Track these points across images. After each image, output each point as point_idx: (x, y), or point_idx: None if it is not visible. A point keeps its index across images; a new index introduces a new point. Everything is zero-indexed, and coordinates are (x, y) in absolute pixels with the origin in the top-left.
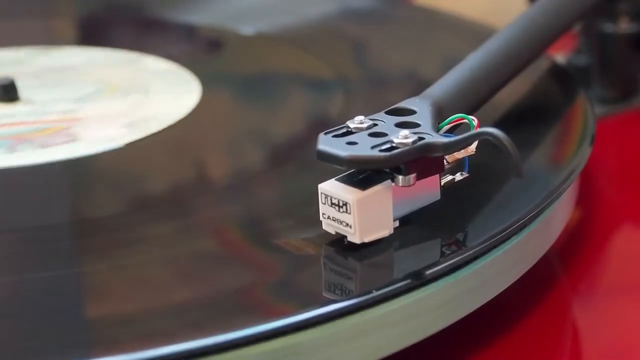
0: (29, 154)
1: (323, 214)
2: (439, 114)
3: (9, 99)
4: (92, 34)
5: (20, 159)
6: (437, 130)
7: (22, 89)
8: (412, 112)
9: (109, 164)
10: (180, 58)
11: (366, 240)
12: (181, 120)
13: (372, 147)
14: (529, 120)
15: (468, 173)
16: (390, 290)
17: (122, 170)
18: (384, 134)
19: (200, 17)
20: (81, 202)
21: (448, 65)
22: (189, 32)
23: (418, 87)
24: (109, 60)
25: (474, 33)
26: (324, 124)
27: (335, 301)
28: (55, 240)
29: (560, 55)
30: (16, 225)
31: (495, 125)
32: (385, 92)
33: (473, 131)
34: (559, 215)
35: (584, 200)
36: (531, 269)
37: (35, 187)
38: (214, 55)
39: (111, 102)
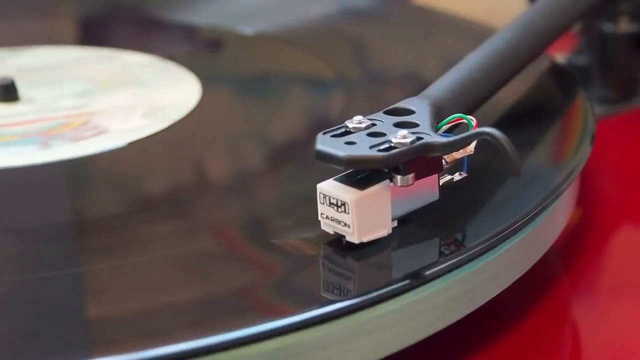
0: (65, 148)
1: (322, 213)
2: (438, 114)
3: (9, 98)
4: (92, 34)
5: (58, 154)
6: (436, 130)
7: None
8: (411, 112)
9: (108, 164)
10: (181, 58)
11: (365, 240)
12: (181, 120)
13: (371, 147)
14: (529, 120)
15: (467, 173)
16: (388, 291)
17: (121, 170)
18: (383, 134)
19: (200, 17)
20: (79, 201)
21: (448, 65)
22: (189, 32)
23: (418, 87)
24: (85, 59)
25: (474, 33)
26: (324, 124)
27: (333, 301)
28: (56, 240)
29: (560, 55)
30: (14, 225)
31: (496, 125)
32: (385, 92)
33: (471, 131)
34: (559, 215)
35: (584, 200)
36: (531, 269)
37: (34, 188)
38: (214, 55)
39: (114, 95)
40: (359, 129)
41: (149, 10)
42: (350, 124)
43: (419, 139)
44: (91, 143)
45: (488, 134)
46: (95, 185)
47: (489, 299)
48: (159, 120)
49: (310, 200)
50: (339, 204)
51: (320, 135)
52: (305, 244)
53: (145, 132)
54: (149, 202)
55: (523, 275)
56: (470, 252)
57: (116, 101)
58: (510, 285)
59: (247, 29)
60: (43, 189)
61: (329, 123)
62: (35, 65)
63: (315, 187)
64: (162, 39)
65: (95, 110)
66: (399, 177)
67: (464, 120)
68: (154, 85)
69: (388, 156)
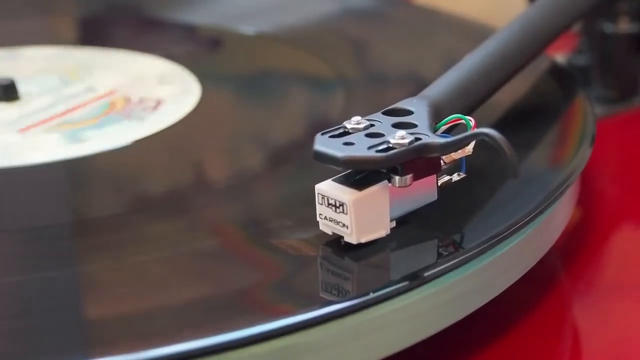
0: (138, 125)
1: (320, 214)
2: (437, 115)
3: (9, 98)
4: (92, 34)
5: (155, 124)
6: (434, 130)
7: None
8: (409, 113)
9: (108, 164)
10: (181, 58)
11: (363, 240)
12: (181, 120)
13: (369, 148)
14: (529, 120)
15: (465, 173)
16: (387, 292)
17: (120, 170)
18: (381, 135)
19: (200, 17)
20: (79, 201)
21: (448, 65)
22: (189, 32)
23: (418, 87)
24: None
25: (474, 33)
26: (324, 124)
27: (332, 302)
28: (55, 240)
29: (560, 55)
30: (14, 225)
31: (496, 125)
32: (385, 92)
33: (469, 132)
34: (559, 216)
35: (584, 200)
36: (531, 269)
37: (34, 187)
38: (214, 55)
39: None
40: (357, 130)
41: (149, 10)
42: (349, 124)
43: (417, 139)
44: (165, 114)
45: (486, 134)
46: (94, 185)
47: (488, 300)
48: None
49: (309, 200)
50: (337, 204)
51: (318, 136)
52: (303, 245)
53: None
54: (148, 202)
55: (523, 275)
56: (469, 254)
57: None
58: (511, 285)
59: (248, 29)
60: (43, 189)
61: (329, 123)
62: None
63: (314, 187)
64: (162, 39)
65: (111, 88)
66: (397, 177)
67: (463, 121)
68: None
69: (386, 157)
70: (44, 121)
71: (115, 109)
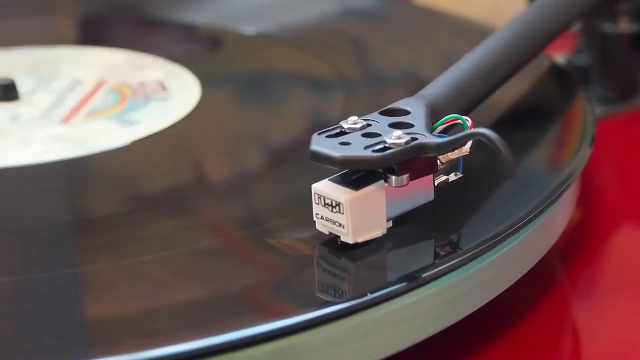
0: (160, 105)
1: (316, 214)
2: (434, 115)
3: (9, 98)
4: (92, 33)
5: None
6: (431, 130)
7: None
8: (406, 113)
9: (107, 164)
10: (181, 58)
11: (359, 240)
12: (181, 121)
13: (365, 148)
14: (529, 120)
15: (462, 173)
16: (385, 293)
17: (120, 170)
18: (378, 135)
19: (200, 17)
20: (79, 201)
21: (448, 65)
22: (189, 32)
23: (418, 87)
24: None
25: (474, 33)
26: (324, 124)
27: (329, 303)
28: (55, 240)
29: (560, 55)
30: (14, 225)
31: (495, 125)
32: (385, 92)
33: (466, 132)
34: (559, 216)
35: (584, 200)
36: (531, 269)
37: (35, 187)
38: (214, 55)
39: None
40: (354, 130)
41: (149, 10)
42: (345, 124)
43: (414, 139)
44: (174, 88)
45: (482, 134)
46: (94, 185)
47: (487, 301)
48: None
49: (306, 200)
50: (334, 204)
51: (315, 136)
52: (300, 244)
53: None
54: (147, 202)
55: (523, 275)
56: (468, 254)
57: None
58: (510, 285)
59: (248, 29)
60: (44, 189)
61: (329, 123)
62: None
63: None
64: (162, 39)
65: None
66: (393, 177)
67: (460, 121)
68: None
69: (382, 156)
70: (73, 111)
71: (127, 94)
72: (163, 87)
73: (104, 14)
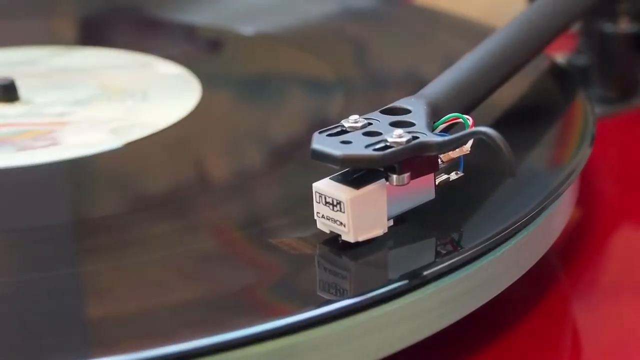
0: (5, 157)
1: (317, 212)
2: (435, 114)
3: (8, 98)
4: (92, 34)
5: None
6: (432, 129)
7: (26, 89)
8: (407, 112)
9: (107, 164)
10: (180, 58)
11: (360, 239)
12: (181, 121)
13: (366, 146)
14: (529, 120)
15: (463, 172)
16: (386, 291)
17: (120, 170)
18: (379, 133)
19: (200, 17)
20: (79, 202)
21: (447, 65)
22: (189, 32)
23: (418, 87)
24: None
25: (474, 33)
26: (324, 124)
27: (330, 302)
28: (56, 240)
29: (560, 55)
30: (14, 225)
31: (495, 125)
32: (385, 92)
33: (467, 130)
34: (559, 216)
35: (584, 200)
36: (531, 269)
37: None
38: (214, 55)
39: (106, 106)
40: (355, 128)
41: (149, 10)
42: (346, 123)
43: (415, 138)
44: (36, 154)
45: (483, 133)
46: (94, 185)
47: (487, 300)
48: (120, 137)
49: (307, 199)
50: (335, 202)
51: (316, 134)
52: (301, 243)
53: (97, 149)
54: (147, 202)
55: (523, 275)
56: (469, 253)
57: (100, 113)
58: (510, 285)
59: (247, 29)
60: (39, 189)
61: (329, 123)
62: (70, 66)
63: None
64: (162, 39)
65: (72, 120)
66: (394, 176)
67: (461, 120)
68: (155, 98)
69: (383, 155)
70: (73, 111)
71: (127, 94)
72: (163, 87)
73: (104, 14)
